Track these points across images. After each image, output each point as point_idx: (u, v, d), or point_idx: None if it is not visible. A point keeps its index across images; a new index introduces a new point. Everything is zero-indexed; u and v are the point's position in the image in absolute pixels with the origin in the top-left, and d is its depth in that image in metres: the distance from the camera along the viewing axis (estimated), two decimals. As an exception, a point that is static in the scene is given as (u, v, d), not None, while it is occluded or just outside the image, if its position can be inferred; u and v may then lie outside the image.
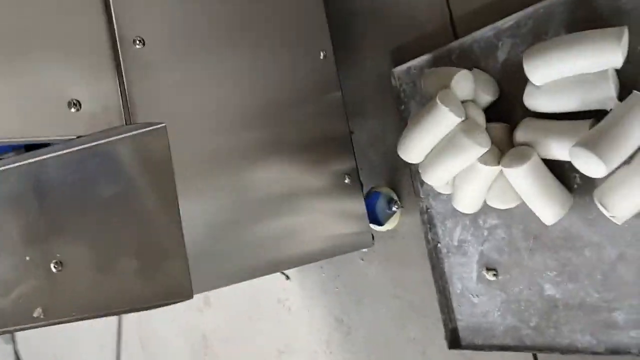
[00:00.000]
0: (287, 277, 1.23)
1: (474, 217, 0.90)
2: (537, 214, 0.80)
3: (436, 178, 0.85)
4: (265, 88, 0.84)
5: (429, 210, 0.96)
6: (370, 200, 0.95)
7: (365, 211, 0.91)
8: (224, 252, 0.73)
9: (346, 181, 0.89)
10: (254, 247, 0.77)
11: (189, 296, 0.57)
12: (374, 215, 0.94)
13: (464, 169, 0.83)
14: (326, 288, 1.16)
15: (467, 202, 0.86)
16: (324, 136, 0.92)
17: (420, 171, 0.87)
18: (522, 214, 0.84)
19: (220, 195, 0.74)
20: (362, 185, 0.93)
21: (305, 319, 1.21)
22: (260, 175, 0.81)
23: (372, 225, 0.96)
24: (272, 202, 0.82)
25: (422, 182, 0.95)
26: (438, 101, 0.80)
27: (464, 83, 0.82)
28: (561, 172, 0.81)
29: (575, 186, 0.80)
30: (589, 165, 0.72)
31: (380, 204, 0.95)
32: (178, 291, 0.57)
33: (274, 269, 0.78)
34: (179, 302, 0.57)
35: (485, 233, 0.89)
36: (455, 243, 0.94)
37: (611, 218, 0.73)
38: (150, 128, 0.59)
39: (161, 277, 0.58)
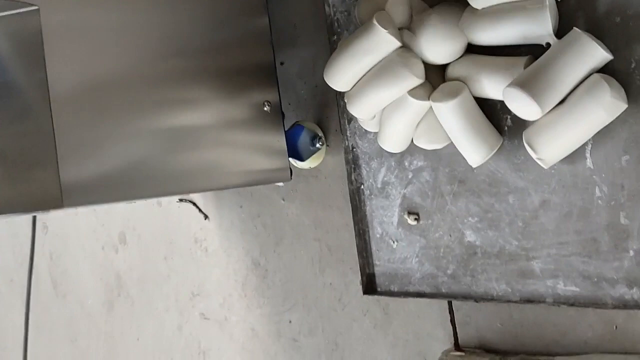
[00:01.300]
0: (206, 217, 1.15)
1: (400, 158, 0.84)
2: (463, 154, 0.75)
3: (363, 109, 0.78)
4: (185, 11, 0.74)
5: (354, 149, 0.89)
6: (292, 133, 0.87)
7: (284, 143, 0.83)
8: (126, 174, 0.64)
9: (265, 109, 0.81)
10: (161, 173, 0.69)
11: (59, 205, 0.49)
12: (295, 149, 0.86)
13: (393, 102, 0.76)
14: (245, 228, 1.09)
15: (393, 140, 0.80)
16: (247, 64, 0.84)
17: (346, 101, 0.80)
18: (449, 156, 0.79)
19: (132, 120, 0.65)
20: (283, 115, 0.86)
21: (221, 261, 1.14)
22: (176, 103, 0.72)
23: (292, 160, 0.88)
24: (184, 131, 0.73)
25: (350, 119, 0.88)
26: (375, 22, 0.72)
27: (400, 8, 0.75)
28: (492, 112, 0.75)
29: (506, 128, 0.75)
30: (522, 106, 0.66)
31: (304, 139, 0.88)
32: (47, 199, 0.48)
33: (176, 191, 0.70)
34: (48, 210, 0.49)
35: (410, 175, 0.84)
36: (379, 185, 0.88)
37: (538, 161, 0.68)
38: (23, 10, 0.49)
39: (30, 184, 0.50)
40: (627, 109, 0.63)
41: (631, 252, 0.67)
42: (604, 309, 0.69)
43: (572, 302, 0.71)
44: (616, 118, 0.64)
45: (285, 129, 0.87)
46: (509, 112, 0.70)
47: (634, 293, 0.67)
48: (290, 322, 1.05)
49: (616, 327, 0.70)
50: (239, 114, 0.81)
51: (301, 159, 0.88)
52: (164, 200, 1.22)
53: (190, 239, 1.19)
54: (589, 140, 0.68)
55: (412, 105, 0.75)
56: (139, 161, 0.62)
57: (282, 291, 1.05)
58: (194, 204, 1.17)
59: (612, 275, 0.68)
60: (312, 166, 0.94)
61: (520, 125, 0.72)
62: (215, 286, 1.16)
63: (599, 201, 0.69)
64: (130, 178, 0.60)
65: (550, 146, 0.67)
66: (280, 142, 0.84)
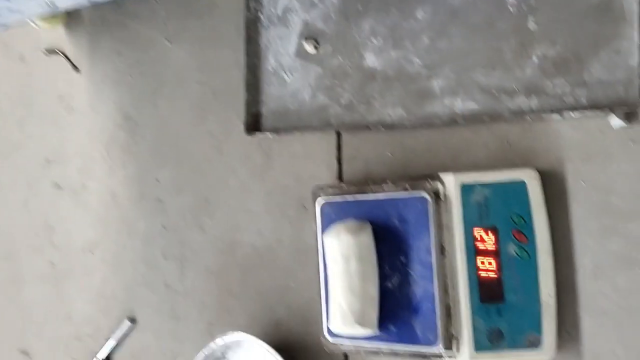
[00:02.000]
0: (76, 69, 1.00)
1: (306, -24, 0.77)
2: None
3: None
4: None
5: (255, -28, 0.82)
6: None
7: None
8: None
9: None
10: None
11: None
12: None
13: None
14: (120, 79, 0.96)
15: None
16: None
17: None
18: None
19: None
20: None
21: (86, 120, 0.99)
22: None
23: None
24: None
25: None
26: None
27: None
28: None
29: None
30: None
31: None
32: None
33: None
34: None
35: (316, -3, 0.77)
36: (279, 12, 0.80)
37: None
38: None
39: None
40: None
41: (534, 59, 0.64)
42: (500, 121, 0.66)
43: (469, 118, 0.66)
44: None
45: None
46: None
47: (531, 102, 0.64)
48: (157, 180, 0.92)
49: (509, 143, 0.66)
50: None
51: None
52: (29, 53, 1.06)
53: (53, 97, 1.03)
54: None
55: None
56: None
57: (152, 147, 0.92)
58: (64, 54, 1.02)
59: (513, 86, 0.65)
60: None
61: None
62: (74, 150, 1.00)
63: (510, 7, 0.66)
64: None
65: None
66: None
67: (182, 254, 0.90)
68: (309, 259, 0.79)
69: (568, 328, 0.63)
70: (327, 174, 0.78)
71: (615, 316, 0.61)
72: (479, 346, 0.62)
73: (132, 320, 0.94)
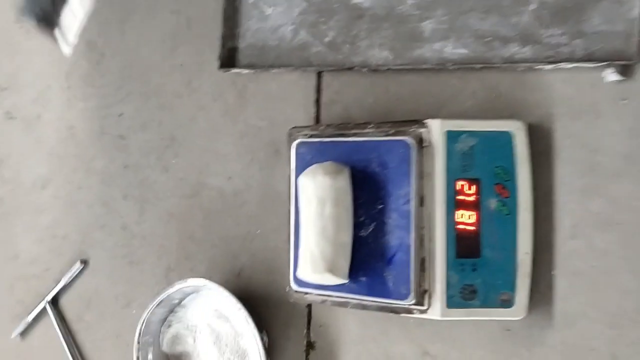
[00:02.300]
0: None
1: None
2: None
3: None
4: None
5: None
6: None
7: None
8: None
9: None
10: None
11: None
12: None
13: None
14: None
15: None
16: None
17: None
18: None
19: None
20: None
21: (46, 46, 0.91)
22: None
23: None
24: None
25: None
26: None
27: None
28: None
29: None
30: None
31: None
32: None
33: None
34: None
35: None
36: (265, -60, 0.75)
37: None
38: None
39: None
40: None
41: (532, 6, 0.61)
42: (491, 70, 0.63)
43: (459, 64, 0.63)
44: None
45: None
46: None
47: (525, 51, 0.61)
48: (120, 115, 0.86)
49: (498, 94, 0.63)
50: None
51: None
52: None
53: (10, 20, 0.95)
54: None
55: None
56: None
57: (117, 78, 0.86)
58: (25, -26, 0.94)
59: (507, 33, 0.62)
60: None
61: None
62: (31, 78, 0.93)
63: (509, -51, 0.62)
64: None
65: None
66: None
67: (142, 195, 0.85)
68: (278, 206, 0.75)
69: (541, 288, 0.61)
70: (304, 117, 0.74)
71: (589, 277, 0.59)
72: (451, 302, 0.60)
73: (84, 262, 0.89)
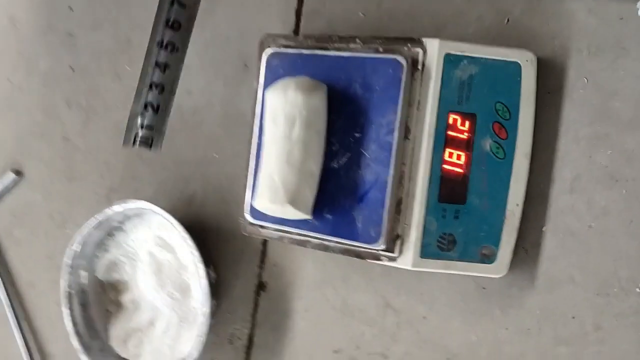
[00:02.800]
0: None
1: None
2: None
3: None
4: None
5: None
6: None
7: None
8: None
9: None
10: None
11: None
12: None
13: None
14: None
15: None
16: None
17: None
18: None
19: None
20: None
21: None
22: None
23: None
24: None
25: None
26: None
27: None
28: None
29: None
30: None
31: None
32: None
33: None
34: None
35: None
36: None
37: None
38: None
39: None
40: None
41: None
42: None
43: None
44: None
45: None
46: None
47: (546, -28, 0.52)
48: (70, 9, 0.74)
49: (508, 20, 0.55)
50: None
51: None
52: None
53: None
54: None
55: None
56: None
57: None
58: None
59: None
60: None
61: None
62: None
63: None
64: None
65: None
66: None
67: (89, 103, 0.74)
68: (240, 129, 0.66)
69: (527, 245, 0.54)
70: (280, 30, 0.63)
71: (583, 237, 0.52)
72: (425, 251, 0.52)
73: (18, 173, 0.78)
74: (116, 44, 0.72)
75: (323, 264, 0.62)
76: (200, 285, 0.62)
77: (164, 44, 0.56)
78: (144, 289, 0.68)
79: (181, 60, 0.57)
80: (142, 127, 0.55)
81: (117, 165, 0.72)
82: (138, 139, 0.55)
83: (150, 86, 0.56)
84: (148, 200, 0.66)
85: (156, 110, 0.55)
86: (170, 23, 0.56)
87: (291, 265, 0.63)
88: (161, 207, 0.65)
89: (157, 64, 0.56)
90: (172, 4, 0.56)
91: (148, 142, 0.55)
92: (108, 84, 0.73)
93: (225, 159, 0.67)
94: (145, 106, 0.55)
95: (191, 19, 0.57)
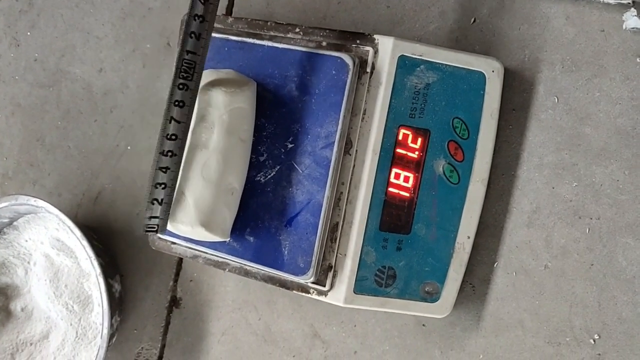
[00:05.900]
0: None
1: None
2: None
3: None
4: None
5: None
6: None
7: None
8: None
9: None
10: None
11: None
12: None
13: None
14: None
15: None
16: None
17: None
18: None
19: None
20: None
21: None
22: None
23: None
24: None
25: None
26: None
27: None
28: None
29: None
30: None
31: None
32: None
33: None
34: None
35: None
36: None
37: None
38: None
39: None
40: None
41: None
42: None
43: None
44: None
45: None
46: None
47: (523, -33, 0.43)
48: (-40, -44, 0.60)
49: (475, 19, 0.45)
50: None
51: None
52: None
53: None
54: None
55: None
56: None
57: None
58: None
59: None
60: None
61: None
62: None
63: None
64: None
65: None
66: None
67: (-18, 72, 0.61)
68: (159, 118, 0.54)
69: (475, 281, 0.46)
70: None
71: (537, 278, 0.44)
72: (360, 287, 0.43)
73: None
74: (15, 3, 0.58)
75: (246, 283, 0.52)
76: (102, 298, 0.51)
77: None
78: (38, 296, 0.56)
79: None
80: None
81: (13, 149, 0.59)
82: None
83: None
84: (49, 194, 0.54)
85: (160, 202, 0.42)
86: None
87: (210, 281, 0.53)
88: (63, 203, 0.53)
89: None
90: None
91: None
92: (3, 51, 0.59)
93: (139, 153, 0.55)
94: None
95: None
